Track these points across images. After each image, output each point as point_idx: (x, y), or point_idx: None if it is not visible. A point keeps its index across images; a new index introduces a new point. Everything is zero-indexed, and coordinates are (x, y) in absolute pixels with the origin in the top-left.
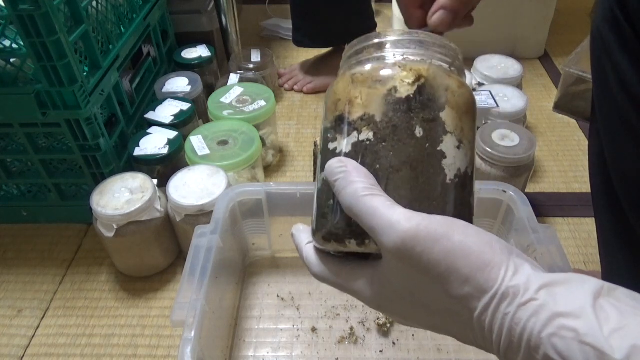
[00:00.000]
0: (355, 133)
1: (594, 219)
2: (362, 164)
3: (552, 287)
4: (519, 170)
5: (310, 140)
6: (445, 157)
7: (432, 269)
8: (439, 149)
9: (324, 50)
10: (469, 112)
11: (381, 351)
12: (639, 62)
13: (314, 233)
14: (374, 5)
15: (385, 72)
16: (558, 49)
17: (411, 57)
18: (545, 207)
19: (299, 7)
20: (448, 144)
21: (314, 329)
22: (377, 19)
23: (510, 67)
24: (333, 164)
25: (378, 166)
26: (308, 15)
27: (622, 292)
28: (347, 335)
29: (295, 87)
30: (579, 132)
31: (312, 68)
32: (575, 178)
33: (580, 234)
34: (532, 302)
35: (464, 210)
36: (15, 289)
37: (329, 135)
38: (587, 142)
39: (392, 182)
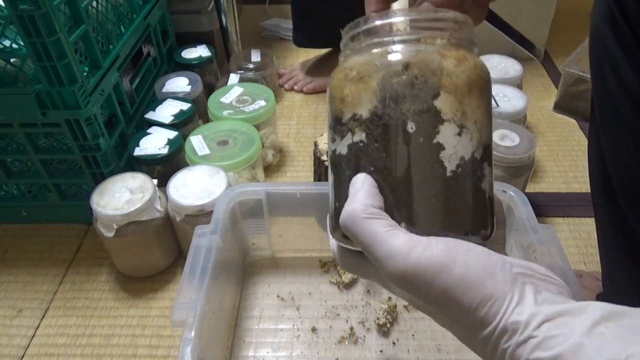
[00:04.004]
0: (349, 134)
1: (594, 219)
2: (358, 166)
3: (551, 322)
4: (519, 170)
5: (310, 140)
6: (444, 149)
7: (433, 301)
8: (435, 141)
9: (324, 51)
10: (473, 89)
11: (381, 351)
12: (637, 62)
13: (330, 229)
14: None
15: (368, 67)
16: (558, 49)
17: (398, 43)
18: (545, 207)
19: (299, 7)
20: (446, 134)
21: (314, 329)
22: None
23: (510, 67)
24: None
25: (372, 168)
26: (308, 15)
27: (630, 313)
28: (347, 335)
29: (295, 87)
30: (579, 132)
31: (312, 68)
32: (575, 178)
33: (580, 234)
34: (531, 340)
35: (473, 198)
36: (15, 289)
37: (330, 135)
38: (587, 142)
39: (388, 184)
